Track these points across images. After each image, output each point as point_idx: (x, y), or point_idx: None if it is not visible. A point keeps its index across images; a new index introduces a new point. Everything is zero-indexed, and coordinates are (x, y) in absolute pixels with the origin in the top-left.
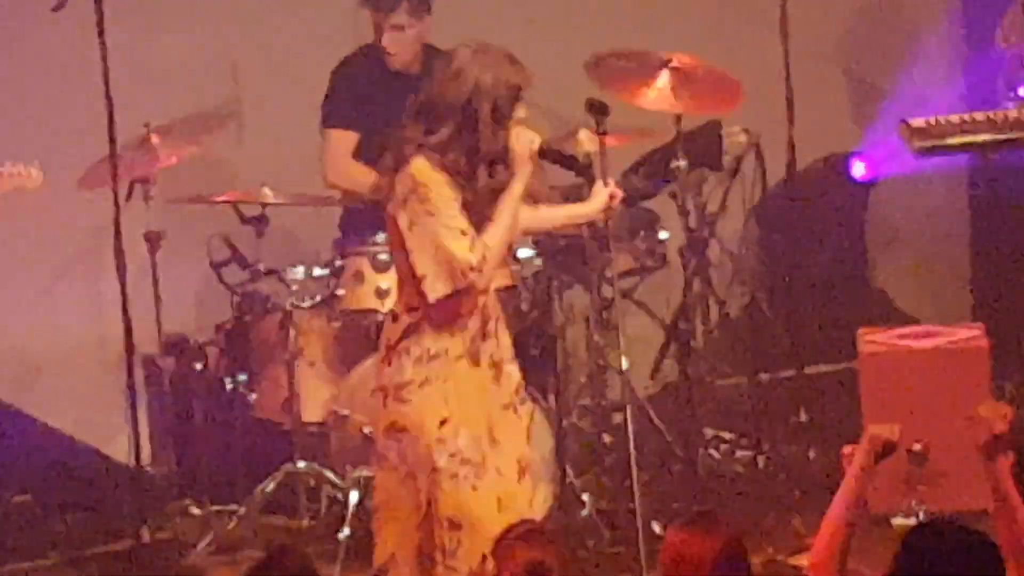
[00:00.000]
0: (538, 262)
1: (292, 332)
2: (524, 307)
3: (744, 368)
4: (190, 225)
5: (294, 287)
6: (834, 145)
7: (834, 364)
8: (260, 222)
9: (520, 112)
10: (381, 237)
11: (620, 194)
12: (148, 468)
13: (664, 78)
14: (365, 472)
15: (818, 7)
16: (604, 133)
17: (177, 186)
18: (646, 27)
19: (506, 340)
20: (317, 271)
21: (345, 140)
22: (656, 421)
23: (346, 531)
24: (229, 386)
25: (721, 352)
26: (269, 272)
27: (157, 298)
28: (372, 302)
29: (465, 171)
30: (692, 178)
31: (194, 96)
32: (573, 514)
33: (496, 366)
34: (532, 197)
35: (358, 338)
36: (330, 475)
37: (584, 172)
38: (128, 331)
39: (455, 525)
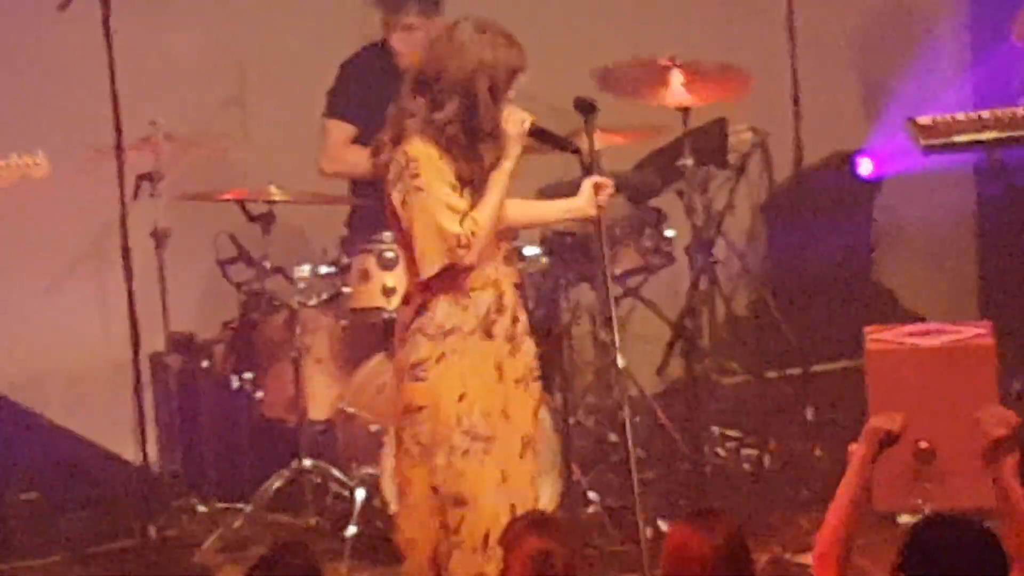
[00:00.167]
0: (544, 260)
1: (298, 330)
2: (530, 305)
3: (751, 366)
4: (196, 223)
5: (300, 285)
6: (841, 143)
7: (841, 362)
8: (267, 220)
9: (511, 93)
10: (387, 235)
11: (609, 184)
12: (154, 466)
13: (677, 76)
14: (371, 470)
15: (825, 4)
16: (593, 130)
17: (183, 183)
18: (652, 25)
19: (523, 315)
20: (324, 269)
21: (344, 131)
22: (663, 419)
23: (352, 529)
24: (235, 384)
25: (728, 350)
26: (276, 270)
27: (163, 296)
28: (379, 300)
29: (464, 146)
30: (699, 176)
31: (201, 93)
32: (579, 512)
33: (511, 340)
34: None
35: (364, 336)
36: (336, 473)
37: (574, 150)
38: (134, 329)
39: (460, 501)
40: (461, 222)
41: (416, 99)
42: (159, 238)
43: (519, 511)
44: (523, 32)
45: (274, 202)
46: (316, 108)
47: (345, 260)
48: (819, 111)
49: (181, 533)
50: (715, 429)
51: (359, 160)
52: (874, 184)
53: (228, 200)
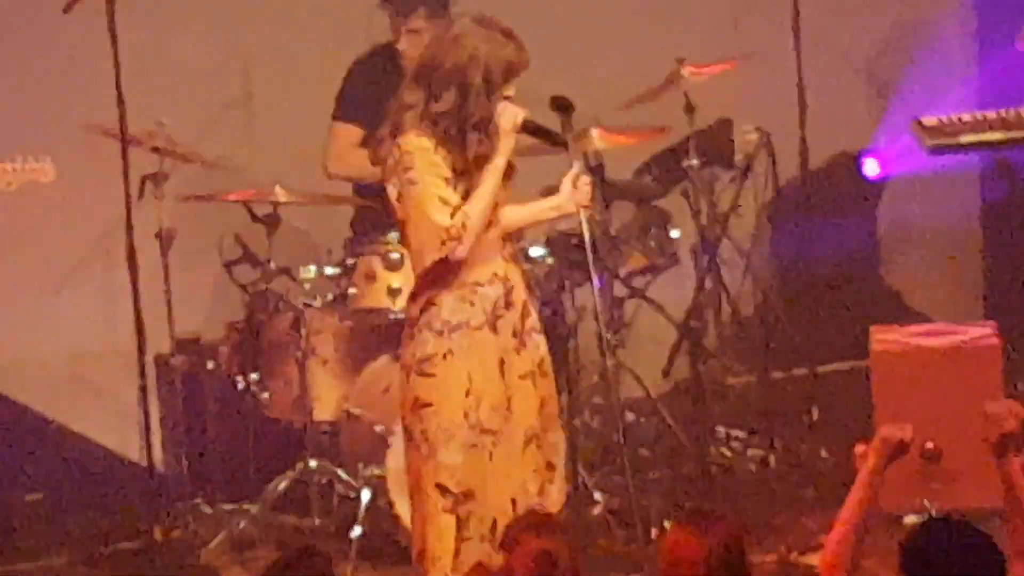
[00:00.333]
0: (550, 260)
1: (304, 331)
2: (536, 305)
3: (756, 366)
4: (202, 224)
5: (306, 286)
6: (846, 143)
7: (846, 362)
8: (272, 221)
9: (510, 90)
10: (393, 236)
11: (586, 178)
12: (160, 467)
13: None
14: (377, 471)
15: (831, 5)
16: (571, 128)
17: (189, 184)
18: (658, 26)
19: (532, 311)
20: (329, 270)
21: (350, 134)
22: (668, 419)
23: (358, 530)
24: (241, 385)
25: (733, 350)
26: (281, 271)
27: (169, 297)
28: (384, 301)
29: (455, 139)
30: (704, 176)
31: (206, 94)
32: (585, 512)
33: (518, 336)
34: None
35: (370, 337)
36: (342, 474)
37: (565, 145)
38: (140, 330)
39: (468, 495)
40: (452, 215)
41: (415, 92)
42: (164, 239)
43: (519, 506)
44: (532, 33)
45: (279, 203)
46: (322, 109)
47: (350, 261)
48: (825, 112)
49: (186, 534)
50: (721, 429)
51: (365, 163)
52: (880, 185)
53: (233, 201)
